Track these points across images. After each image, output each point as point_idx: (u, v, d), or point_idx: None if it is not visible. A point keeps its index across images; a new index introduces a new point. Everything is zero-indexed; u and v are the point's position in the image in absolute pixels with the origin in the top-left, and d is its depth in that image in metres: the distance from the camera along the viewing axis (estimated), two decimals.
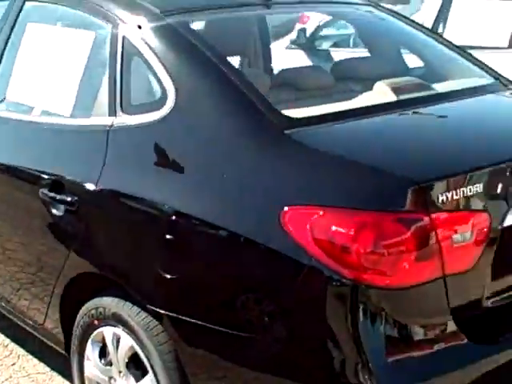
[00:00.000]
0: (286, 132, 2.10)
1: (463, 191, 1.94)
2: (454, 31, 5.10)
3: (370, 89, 2.53)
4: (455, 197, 1.93)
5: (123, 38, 2.48)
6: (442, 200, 1.91)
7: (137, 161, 2.33)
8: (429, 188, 1.91)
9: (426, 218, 1.88)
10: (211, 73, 2.29)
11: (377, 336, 1.90)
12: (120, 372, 2.47)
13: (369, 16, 3.27)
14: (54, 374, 3.17)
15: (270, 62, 3.36)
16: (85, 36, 2.66)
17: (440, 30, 5.19)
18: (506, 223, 2.07)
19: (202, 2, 2.81)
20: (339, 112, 2.29)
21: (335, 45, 6.79)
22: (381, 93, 2.47)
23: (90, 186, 2.39)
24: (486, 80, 2.93)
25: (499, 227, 2.05)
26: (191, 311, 2.14)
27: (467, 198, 1.96)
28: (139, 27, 2.46)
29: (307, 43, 5.58)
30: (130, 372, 2.43)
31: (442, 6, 5.15)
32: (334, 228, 1.87)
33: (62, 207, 2.48)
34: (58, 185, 2.49)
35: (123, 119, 2.41)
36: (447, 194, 1.92)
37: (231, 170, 2.10)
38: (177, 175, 2.21)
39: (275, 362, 2.03)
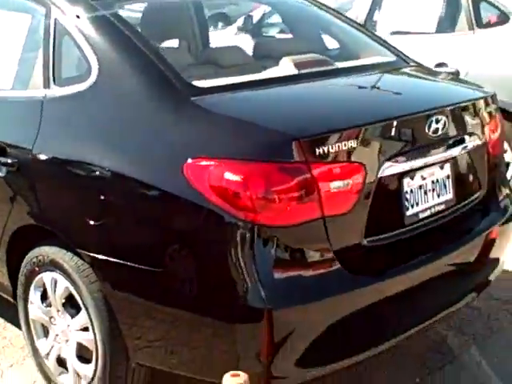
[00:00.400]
0: (192, 98, 2.47)
1: (339, 146, 2.32)
2: (387, 18, 5.52)
3: (277, 64, 2.90)
4: (332, 150, 2.30)
5: (55, 20, 2.85)
6: (320, 152, 2.28)
7: (66, 125, 2.69)
8: (308, 142, 2.27)
9: (306, 168, 2.25)
10: (129, 50, 2.65)
11: (266, 263, 2.26)
12: (58, 311, 2.84)
13: (294, 4, 3.67)
14: (8, 324, 3.51)
15: (208, 45, 3.73)
16: (22, 19, 3.02)
17: (375, 18, 5.59)
18: (380, 174, 2.46)
19: None
20: (241, 83, 2.68)
21: (282, 31, 7.19)
22: (285, 67, 2.85)
23: (28, 149, 2.74)
24: (389, 58, 3.32)
25: (374, 177, 2.44)
26: (113, 252, 2.51)
27: (343, 152, 2.34)
28: (69, 11, 2.82)
29: (254, 30, 5.93)
30: (66, 310, 2.80)
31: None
32: (227, 176, 2.24)
33: (5, 169, 2.83)
34: (1, 150, 2.83)
35: (55, 91, 2.77)
36: (325, 147, 2.29)
37: (145, 129, 2.47)
38: (99, 136, 2.57)
39: (183, 294, 2.38)
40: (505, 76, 4.82)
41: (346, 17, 3.75)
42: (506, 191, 3.19)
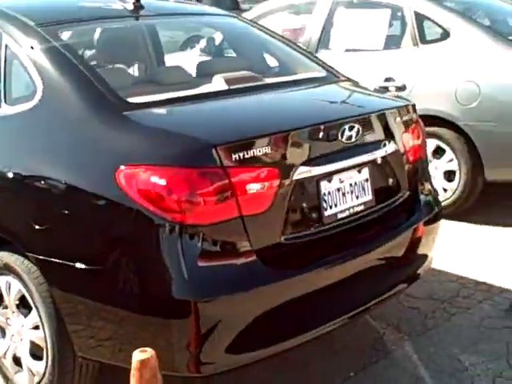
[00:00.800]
0: (124, 113, 2.76)
1: (254, 151, 2.59)
2: (340, 37, 5.83)
3: (210, 81, 3.18)
4: (247, 156, 2.57)
5: (6, 45, 3.13)
6: (236, 158, 2.55)
7: (15, 140, 2.97)
8: (225, 148, 2.55)
9: (223, 172, 2.52)
10: (71, 71, 2.93)
11: (191, 260, 2.52)
12: (13, 312, 3.08)
13: (234, 25, 3.97)
14: None
15: (147, 63, 4.05)
16: None
17: (329, 35, 5.90)
18: (295, 177, 2.73)
19: (71, 15, 3.46)
20: (172, 98, 2.96)
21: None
22: (216, 83, 3.13)
23: None
24: (319, 73, 3.61)
25: (290, 180, 2.71)
26: (56, 254, 2.76)
27: (258, 157, 2.61)
28: (17, 36, 3.11)
29: (215, 51, 6.21)
30: (20, 311, 3.05)
31: (327, 16, 5.87)
32: (152, 180, 2.51)
33: None
34: None
35: (5, 109, 3.07)
36: (240, 153, 2.56)
37: (82, 141, 2.74)
38: (43, 148, 2.84)
39: (118, 291, 2.63)
40: (445, 88, 5.11)
41: (284, 37, 4.05)
42: (428, 193, 3.47)
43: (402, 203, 3.26)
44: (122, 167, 2.55)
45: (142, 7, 3.53)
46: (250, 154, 2.59)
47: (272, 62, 3.82)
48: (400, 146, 3.21)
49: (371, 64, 5.54)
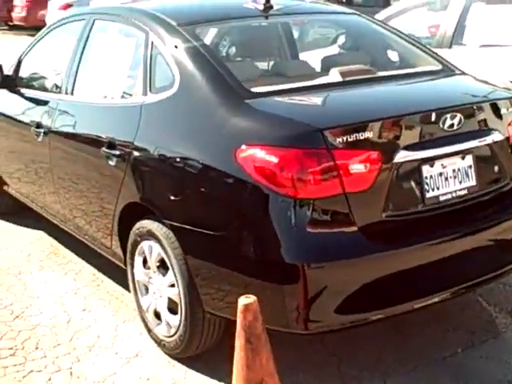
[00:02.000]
0: (246, 101, 3.19)
1: (357, 135, 2.93)
2: (473, 33, 5.97)
3: (327, 74, 3.55)
4: (351, 139, 2.92)
5: (151, 42, 3.67)
6: (341, 140, 2.91)
7: (157, 123, 3.49)
8: (331, 132, 2.91)
9: (328, 153, 2.88)
10: (204, 65, 3.40)
11: (300, 230, 2.89)
12: (154, 272, 3.60)
13: (357, 22, 4.31)
14: (125, 292, 4.32)
15: (273, 57, 4.47)
16: (129, 42, 3.87)
17: (463, 30, 6.04)
18: (397, 160, 3.03)
19: (207, 16, 3.95)
20: (290, 88, 3.36)
21: None
22: (332, 76, 3.49)
23: (130, 143, 3.56)
24: (434, 67, 3.86)
25: (391, 163, 3.02)
26: (186, 221, 3.24)
27: (361, 141, 2.95)
28: (161, 34, 3.64)
29: (342, 47, 6.52)
30: (159, 271, 3.56)
31: (462, 11, 6.02)
32: (267, 158, 2.91)
33: (115, 159, 3.65)
34: (112, 144, 3.68)
35: (150, 97, 3.59)
36: (345, 137, 2.91)
37: (211, 125, 3.20)
38: (179, 131, 3.33)
39: (238, 255, 3.06)
40: None
41: (403, 33, 4.32)
42: None
43: (506, 191, 3.45)
44: (243, 147, 2.98)
45: (271, 7, 3.95)
46: (354, 137, 2.93)
47: (390, 56, 4.12)
48: (506, 136, 3.40)
49: (507, 59, 5.62)
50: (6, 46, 19.18)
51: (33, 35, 17.72)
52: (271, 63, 4.26)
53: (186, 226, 3.24)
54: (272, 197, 2.92)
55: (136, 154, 3.53)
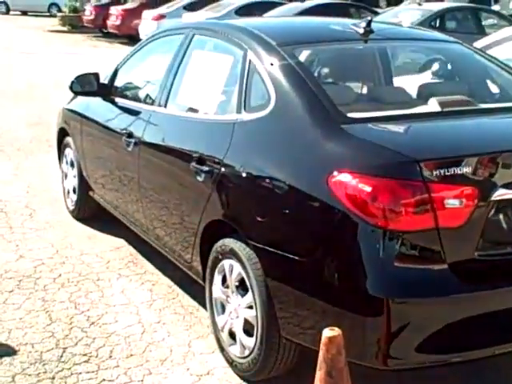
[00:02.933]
0: (342, 126, 3.12)
1: (454, 170, 2.83)
2: None
3: (426, 103, 3.44)
4: (448, 173, 2.82)
5: (249, 60, 3.64)
6: (437, 174, 2.81)
7: (249, 143, 3.44)
8: (428, 164, 2.81)
9: (424, 186, 2.78)
10: (300, 86, 3.36)
11: (388, 261, 2.81)
12: (233, 292, 3.56)
13: (459, 51, 4.18)
14: (200, 307, 4.31)
15: (369, 82, 4.36)
16: (227, 59, 3.86)
17: None
18: (494, 198, 2.90)
19: (306, 37, 3.91)
20: (386, 116, 3.27)
21: None
22: (431, 105, 3.38)
23: (220, 161, 3.53)
24: None
25: (488, 200, 2.89)
26: (271, 243, 3.19)
27: (459, 175, 2.84)
28: (260, 53, 3.61)
29: (442, 75, 6.35)
30: (238, 291, 3.52)
31: None
32: (360, 187, 2.83)
33: (203, 175, 3.63)
34: (201, 160, 3.66)
35: (244, 116, 3.55)
36: (441, 170, 2.81)
37: (303, 148, 3.14)
38: (270, 151, 3.29)
39: (319, 282, 2.99)
40: None
41: (504, 63, 4.17)
42: None
43: None
44: (335, 173, 2.91)
45: (371, 31, 3.87)
46: (451, 171, 2.82)
47: (491, 87, 3.98)
48: None
49: None
50: (99, 53, 19.74)
51: (124, 43, 18.23)
52: (367, 88, 4.19)
53: (270, 248, 3.19)
54: (361, 226, 2.84)
55: (225, 171, 3.51)
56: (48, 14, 34.44)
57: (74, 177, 5.79)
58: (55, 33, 26.71)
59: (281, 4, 18.75)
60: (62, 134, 6.02)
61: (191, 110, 4.08)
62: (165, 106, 4.29)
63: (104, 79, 5.23)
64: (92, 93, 5.14)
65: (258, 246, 3.25)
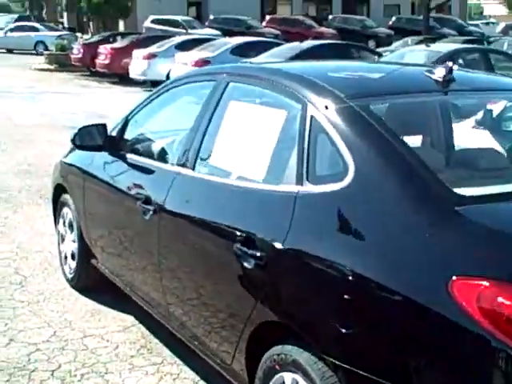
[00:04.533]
0: (456, 208, 2.35)
1: None
2: None
3: None
4: None
5: (311, 117, 2.88)
6: None
7: (319, 225, 2.67)
8: None
9: None
10: (387, 152, 2.62)
11: None
12: None
13: None
14: None
15: (452, 142, 3.59)
16: (277, 113, 3.10)
17: None
18: None
19: (379, 87, 3.17)
20: (508, 193, 2.50)
21: None
22: None
23: (278, 245, 2.74)
24: None
25: None
26: (360, 364, 2.39)
27: None
28: (326, 108, 2.86)
29: (493, 124, 5.67)
30: None
31: None
32: (500, 300, 2.07)
33: (252, 261, 2.84)
34: (250, 241, 2.87)
35: (308, 188, 2.77)
36: None
37: (406, 236, 2.37)
38: (354, 241, 2.51)
39: None
40: None
41: None
42: None
43: None
44: (454, 277, 2.15)
45: (453, 80, 3.14)
46: None
47: None
48: None
49: None
50: (89, 93, 19.03)
51: (114, 82, 17.64)
52: (463, 152, 3.42)
53: (356, 370, 2.39)
54: (496, 348, 2.07)
55: (286, 259, 2.73)
56: (34, 52, 33.83)
57: (74, 241, 4.99)
58: (42, 71, 26.05)
59: (278, 44, 18.16)
60: (59, 190, 5.22)
61: (230, 175, 3.31)
62: (193, 168, 3.52)
63: (112, 131, 4.47)
64: (98, 147, 4.37)
65: (339, 365, 2.46)
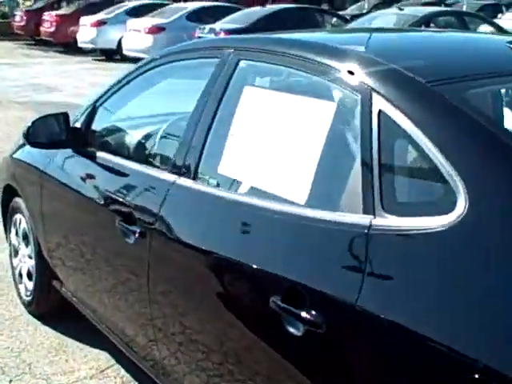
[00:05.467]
0: None
1: None
2: None
3: None
4: None
5: (380, 113, 1.99)
6: None
7: (408, 277, 1.78)
8: None
9: None
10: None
11: None
12: None
13: None
14: None
15: None
16: (320, 106, 2.19)
17: None
18: None
19: (466, 67, 2.26)
20: None
21: None
22: None
23: (345, 304, 1.85)
24: None
25: None
26: None
27: None
28: (403, 100, 1.96)
29: None
30: None
31: None
32: None
33: (301, 326, 1.95)
34: (295, 295, 1.98)
35: (386, 220, 1.87)
36: None
37: None
38: (454, 297, 1.65)
39: None
40: None
41: None
42: None
43: None
44: None
45: None
46: None
47: None
48: None
49: None
50: (35, 63, 17.70)
51: (60, 52, 16.44)
52: None
53: None
54: None
55: (356, 325, 1.83)
56: None
57: (30, 257, 4.03)
58: None
59: (236, 10, 17.07)
60: (9, 193, 4.23)
61: (250, 190, 2.39)
62: (193, 177, 2.60)
63: (75, 121, 3.50)
64: (59, 143, 3.40)
65: None
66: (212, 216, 2.48)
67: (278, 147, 2.34)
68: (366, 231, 1.88)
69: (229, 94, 2.56)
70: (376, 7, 23.99)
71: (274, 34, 2.93)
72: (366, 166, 1.96)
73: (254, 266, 2.18)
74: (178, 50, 3.09)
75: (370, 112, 2.01)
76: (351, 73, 2.13)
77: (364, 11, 24.13)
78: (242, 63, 2.58)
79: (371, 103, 2.02)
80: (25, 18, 24.36)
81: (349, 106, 2.14)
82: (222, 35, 13.68)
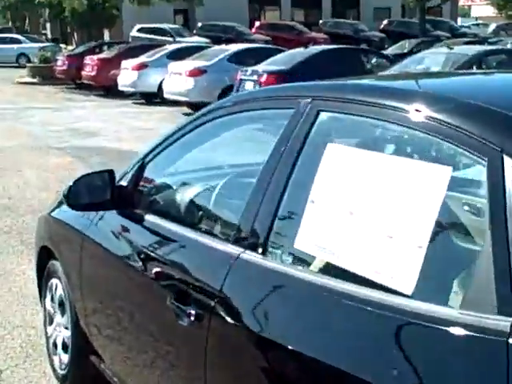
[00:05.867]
0: None
1: None
2: None
3: None
4: None
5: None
6: None
7: None
8: None
9: None
10: None
11: None
12: None
13: None
14: None
15: None
16: (432, 171, 1.73)
17: None
18: None
19: None
20: None
21: None
22: None
23: None
24: None
25: None
26: None
27: None
28: None
29: None
30: None
31: None
32: None
33: None
34: None
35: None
36: None
37: None
38: None
39: None
40: None
41: None
42: None
43: None
44: None
45: None
46: None
47: None
48: None
49: None
50: (77, 107, 17.63)
51: (100, 95, 16.43)
52: None
53: None
54: None
55: None
56: (17, 64, 32.42)
57: (66, 328, 3.61)
58: (25, 85, 24.70)
59: (278, 51, 16.78)
60: (46, 254, 3.83)
61: (337, 272, 1.91)
62: (263, 251, 2.15)
63: (120, 179, 3.09)
64: (104, 204, 3.00)
65: None
66: (288, 302, 2.02)
67: (373, 219, 1.88)
68: (504, 339, 1.40)
69: (307, 152, 2.12)
70: (418, 46, 23.79)
71: (359, 79, 2.49)
72: (501, 245, 1.49)
73: (342, 369, 1.71)
74: (243, 98, 2.65)
75: (503, 183, 1.54)
76: (468, 129, 1.67)
77: (405, 51, 23.96)
78: (323, 115, 2.14)
79: (503, 170, 1.55)
80: (66, 62, 24.52)
81: (471, 172, 1.68)
82: (265, 77, 13.38)
